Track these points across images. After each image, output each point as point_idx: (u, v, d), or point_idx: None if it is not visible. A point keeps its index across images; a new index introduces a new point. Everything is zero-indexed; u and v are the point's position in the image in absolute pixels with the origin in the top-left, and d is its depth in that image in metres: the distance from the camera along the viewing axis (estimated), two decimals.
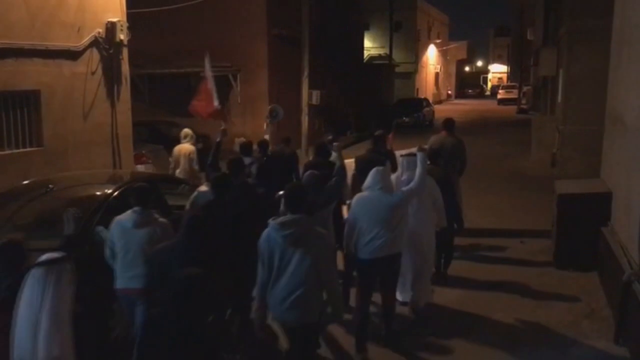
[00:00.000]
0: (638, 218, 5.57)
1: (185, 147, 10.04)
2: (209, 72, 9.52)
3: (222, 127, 8.15)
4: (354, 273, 6.05)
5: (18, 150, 9.65)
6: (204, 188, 6.41)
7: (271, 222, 4.30)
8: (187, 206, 6.22)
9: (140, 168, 12.21)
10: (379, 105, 29.03)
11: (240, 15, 17.83)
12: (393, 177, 6.13)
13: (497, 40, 78.11)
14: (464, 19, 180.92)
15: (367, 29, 35.17)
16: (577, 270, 7.54)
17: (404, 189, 5.74)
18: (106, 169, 10.82)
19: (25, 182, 6.99)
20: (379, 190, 5.47)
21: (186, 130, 10.19)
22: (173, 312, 3.15)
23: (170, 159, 10.42)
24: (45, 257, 3.39)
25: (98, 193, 6.29)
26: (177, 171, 10.14)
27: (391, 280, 5.73)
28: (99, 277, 5.13)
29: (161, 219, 5.24)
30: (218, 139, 7.60)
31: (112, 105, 11.32)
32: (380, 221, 5.38)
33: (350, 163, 7.17)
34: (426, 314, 6.39)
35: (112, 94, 11.30)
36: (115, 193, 6.21)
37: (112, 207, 6.02)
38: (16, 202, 6.25)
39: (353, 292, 5.99)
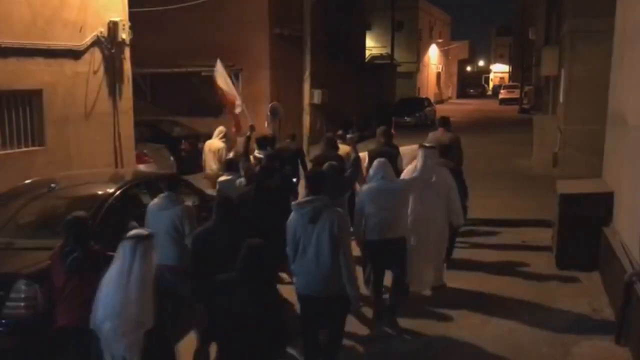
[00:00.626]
0: (639, 218, 5.58)
1: (215, 144, 9.91)
2: (219, 75, 10.02)
3: (250, 124, 8.92)
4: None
5: (20, 150, 9.68)
6: (224, 177, 7.15)
7: (293, 203, 4.86)
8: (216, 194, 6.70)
9: (142, 167, 12.22)
10: (380, 105, 29.03)
11: (242, 15, 17.83)
12: (411, 167, 6.89)
13: (498, 40, 78.06)
14: (465, 18, 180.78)
15: (369, 28, 35.15)
16: (579, 270, 7.54)
17: (407, 178, 6.50)
18: (108, 168, 10.84)
19: (28, 181, 7.00)
20: (381, 179, 6.01)
21: (221, 128, 10.11)
22: (245, 277, 3.70)
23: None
24: (134, 232, 3.81)
25: (100, 192, 6.30)
26: (206, 169, 9.80)
27: (399, 260, 6.12)
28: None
29: (186, 203, 5.84)
30: (248, 134, 8.59)
31: (114, 104, 11.35)
32: (384, 206, 5.91)
33: (363, 155, 7.62)
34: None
35: (114, 93, 11.33)
36: (117, 192, 6.22)
37: (114, 206, 6.04)
38: (18, 201, 6.26)
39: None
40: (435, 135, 8.94)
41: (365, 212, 5.95)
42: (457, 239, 8.18)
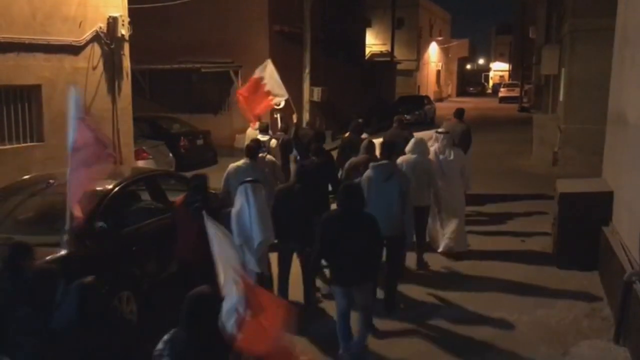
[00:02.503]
0: (639, 218, 5.57)
1: (254, 135, 10.11)
2: (267, 74, 10.77)
3: (295, 121, 10.56)
4: None
5: (19, 145, 9.66)
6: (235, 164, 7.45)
7: (371, 164, 6.43)
8: (225, 176, 7.29)
9: (141, 164, 12.19)
10: (380, 103, 28.99)
11: (242, 12, 17.79)
12: (432, 149, 8.06)
13: (499, 38, 78.06)
14: (466, 16, 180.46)
15: (369, 25, 35.10)
16: (578, 269, 7.52)
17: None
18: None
19: (26, 176, 6.98)
20: (418, 154, 7.44)
21: (264, 123, 10.58)
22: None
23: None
24: (248, 179, 5.74)
25: (99, 188, 6.28)
26: None
27: (424, 223, 7.69)
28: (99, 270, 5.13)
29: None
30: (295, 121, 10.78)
31: (113, 100, 11.32)
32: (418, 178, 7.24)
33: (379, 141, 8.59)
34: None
35: (113, 89, 11.30)
36: (116, 189, 6.20)
37: (112, 202, 6.02)
38: (17, 197, 6.24)
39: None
40: (450, 125, 9.97)
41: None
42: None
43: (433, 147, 8.13)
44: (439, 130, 8.59)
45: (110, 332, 4.87)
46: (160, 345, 3.17)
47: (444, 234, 8.17)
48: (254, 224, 5.53)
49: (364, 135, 9.42)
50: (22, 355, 3.74)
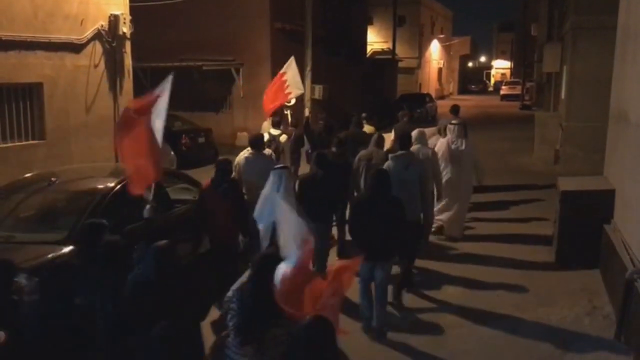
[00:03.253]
0: None
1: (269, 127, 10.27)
2: (290, 70, 10.94)
3: (306, 115, 11.06)
4: None
5: (21, 143, 9.67)
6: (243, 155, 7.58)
7: (390, 155, 6.98)
8: (235, 166, 7.39)
9: None
10: (381, 101, 28.95)
11: (244, 9, 17.78)
12: (443, 140, 8.77)
13: (500, 36, 77.92)
14: (467, 14, 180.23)
15: (371, 23, 35.07)
16: (579, 267, 7.52)
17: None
18: (108, 162, 10.83)
19: (28, 174, 6.99)
20: (421, 144, 7.87)
21: (276, 118, 10.54)
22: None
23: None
24: (278, 166, 6.02)
25: (100, 186, 6.28)
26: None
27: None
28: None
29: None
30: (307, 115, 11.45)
31: (115, 98, 11.33)
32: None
33: (389, 136, 9.40)
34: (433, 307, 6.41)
35: (114, 87, 11.31)
36: (118, 187, 6.20)
37: (114, 201, 6.02)
38: (19, 195, 6.25)
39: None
40: (446, 120, 10.26)
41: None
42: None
43: (446, 137, 8.81)
44: (453, 121, 9.11)
45: (183, 292, 5.11)
46: (229, 293, 3.90)
47: (441, 218, 8.71)
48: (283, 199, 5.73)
49: (365, 129, 10.10)
50: (103, 316, 4.22)
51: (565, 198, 7.81)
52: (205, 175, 9.67)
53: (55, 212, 6.09)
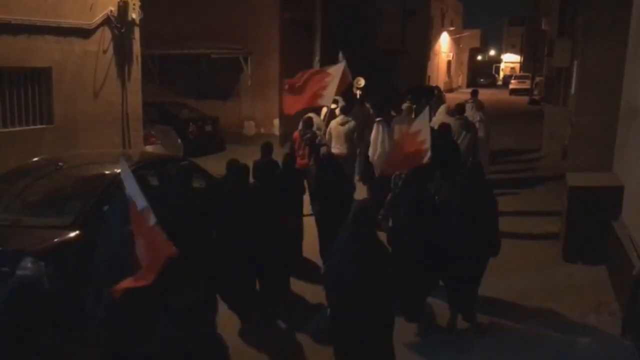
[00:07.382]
0: None
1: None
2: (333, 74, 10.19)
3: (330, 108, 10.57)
4: None
5: (28, 127, 9.68)
6: None
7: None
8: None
9: (149, 148, 12.20)
10: (390, 92, 28.83)
11: None
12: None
13: (511, 30, 77.33)
14: (478, 7, 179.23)
15: (381, 14, 34.82)
16: (586, 263, 7.49)
17: None
18: (116, 148, 10.84)
19: (35, 159, 7.00)
20: None
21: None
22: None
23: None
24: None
25: (107, 172, 6.28)
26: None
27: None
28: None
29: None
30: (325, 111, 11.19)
31: (123, 84, 11.31)
32: None
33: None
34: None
35: (122, 74, 11.28)
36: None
37: (120, 187, 6.01)
38: (26, 179, 6.26)
39: None
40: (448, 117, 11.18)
41: None
42: None
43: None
44: (470, 100, 11.09)
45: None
46: None
47: None
48: None
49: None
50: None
51: (573, 194, 7.77)
52: (211, 163, 9.69)
53: (62, 196, 6.10)
